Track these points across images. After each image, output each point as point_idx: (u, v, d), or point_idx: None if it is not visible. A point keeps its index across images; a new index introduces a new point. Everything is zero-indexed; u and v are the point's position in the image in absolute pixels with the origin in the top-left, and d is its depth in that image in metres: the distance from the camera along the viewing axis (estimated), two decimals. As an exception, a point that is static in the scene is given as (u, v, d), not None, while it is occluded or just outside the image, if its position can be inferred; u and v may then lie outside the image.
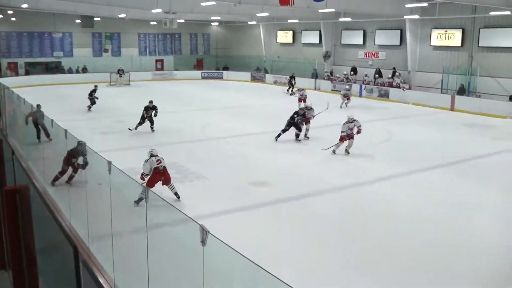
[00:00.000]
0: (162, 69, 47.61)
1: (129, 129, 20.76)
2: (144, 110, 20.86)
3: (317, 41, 42.19)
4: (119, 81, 39.60)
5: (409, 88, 32.79)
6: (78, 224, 9.28)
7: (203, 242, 5.02)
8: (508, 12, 26.78)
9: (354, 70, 38.05)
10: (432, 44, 32.86)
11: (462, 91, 30.13)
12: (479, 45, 29.95)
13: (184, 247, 6.22)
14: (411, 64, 34.14)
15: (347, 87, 31.26)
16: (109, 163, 7.67)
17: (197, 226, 5.14)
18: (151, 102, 21.04)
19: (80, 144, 12.24)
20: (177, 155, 16.60)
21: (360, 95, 34.74)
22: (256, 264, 4.28)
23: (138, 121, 20.78)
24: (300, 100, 27.38)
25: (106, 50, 45.50)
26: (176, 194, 12.07)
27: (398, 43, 35.22)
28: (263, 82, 44.26)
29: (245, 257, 4.44)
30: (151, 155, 12.13)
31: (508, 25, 28.34)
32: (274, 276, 4.04)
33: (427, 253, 9.78)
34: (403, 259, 9.51)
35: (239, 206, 12.10)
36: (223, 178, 14.39)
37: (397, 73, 34.36)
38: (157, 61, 47.99)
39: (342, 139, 17.04)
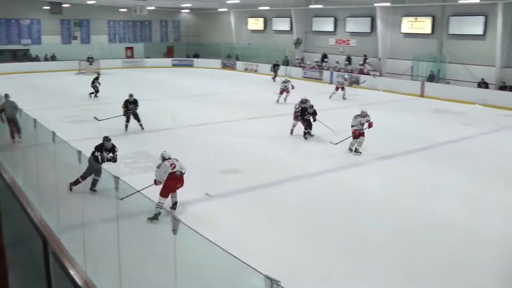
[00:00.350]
0: (132, 56, 46.91)
1: (95, 118, 18.85)
2: (123, 106, 18.63)
3: (288, 28, 42.04)
4: (89, 69, 38.78)
5: (380, 75, 33.01)
6: (49, 216, 9.17)
7: (175, 230, 5.03)
8: (477, 0, 27.15)
9: (325, 57, 38.16)
10: (402, 31, 33.06)
11: (432, 78, 30.42)
12: (449, 32, 30.32)
13: (156, 236, 6.21)
14: (381, 51, 34.29)
15: (346, 76, 30.12)
16: (79, 152, 7.60)
17: (168, 215, 5.12)
18: (131, 95, 18.85)
19: (107, 139, 11.85)
20: (147, 143, 16.45)
21: (331, 82, 34.86)
22: (228, 253, 4.28)
23: (107, 117, 18.68)
24: (282, 92, 25.76)
25: (75, 37, 44.55)
26: (175, 204, 10.79)
27: (369, 31, 35.32)
28: (234, 69, 44.10)
29: (216, 245, 4.46)
30: (164, 159, 10.69)
31: (476, 13, 28.74)
32: (245, 264, 4.05)
33: (404, 239, 9.81)
34: (381, 247, 9.47)
35: (211, 194, 12.03)
36: (195, 166, 14.12)
37: (367, 60, 34.65)
38: (127, 48, 47.26)
39: (354, 134, 15.71)
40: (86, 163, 8.03)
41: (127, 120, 18.60)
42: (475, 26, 28.99)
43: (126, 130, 18.48)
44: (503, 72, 27.91)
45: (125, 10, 43.98)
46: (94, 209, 7.92)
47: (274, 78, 34.93)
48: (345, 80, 28.33)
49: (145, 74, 39.84)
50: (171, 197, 10.69)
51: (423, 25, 31.68)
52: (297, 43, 40.48)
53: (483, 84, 27.86)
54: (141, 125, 18.79)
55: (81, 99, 26.05)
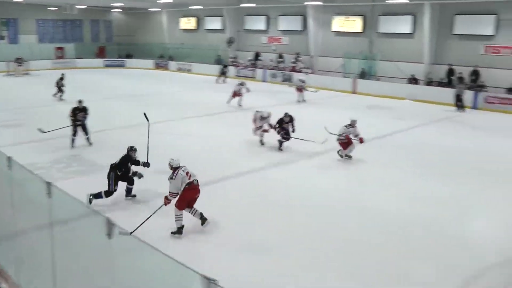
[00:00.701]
0: (63, 57, 45.01)
1: (40, 130, 15.62)
2: (71, 114, 15.76)
3: (220, 27, 41.78)
4: (18, 71, 37.40)
5: (312, 73, 33.21)
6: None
7: (110, 235, 4.83)
8: (405, 0, 27.84)
9: (258, 55, 38.14)
10: (333, 30, 33.43)
11: (363, 75, 30.93)
12: (379, 31, 31.00)
13: (91, 240, 5.96)
14: (313, 49, 34.53)
15: (302, 78, 27.82)
16: (9, 158, 7.22)
17: (103, 219, 4.91)
18: (80, 101, 16.05)
19: (134, 149, 11.14)
20: (80, 146, 15.87)
21: (264, 80, 34.98)
22: (165, 255, 4.20)
23: (53, 128, 15.85)
24: (235, 95, 24.08)
25: (2, 37, 42.58)
26: (202, 217, 9.70)
27: (301, 29, 35.49)
28: (167, 69, 43.46)
29: (153, 247, 4.33)
30: (174, 168, 9.46)
31: (405, 13, 29.57)
32: (183, 265, 3.95)
33: (392, 238, 9.75)
34: (313, 240, 9.44)
35: (146, 196, 11.52)
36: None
37: (300, 58, 34.83)
38: (57, 48, 45.39)
39: (347, 140, 14.78)
40: (18, 170, 7.58)
41: (74, 134, 15.79)
42: (403, 25, 29.82)
43: (72, 145, 15.76)
44: (431, 69, 28.70)
45: (55, 8, 42.57)
46: (25, 217, 7.51)
47: (224, 80, 34.22)
48: (303, 82, 26.68)
49: (77, 75, 38.27)
50: (194, 215, 9.64)
51: (354, 23, 32.19)
52: (230, 42, 40.35)
53: (413, 80, 28.62)
54: (88, 139, 16.14)
55: (11, 102, 24.70)
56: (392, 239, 9.64)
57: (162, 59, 45.06)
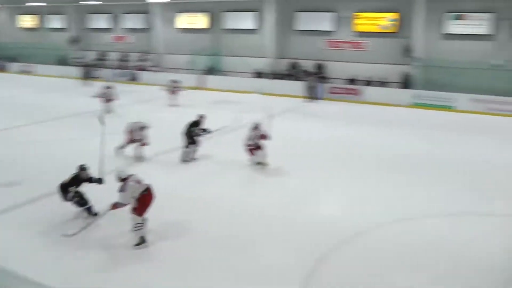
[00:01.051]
0: None
1: None
2: None
3: (64, 26, 39.61)
4: None
5: (160, 71, 32.33)
6: None
7: None
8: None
9: (103, 55, 36.76)
10: (179, 27, 33.20)
11: (210, 70, 30.67)
12: (224, 27, 31.23)
13: None
14: (159, 46, 33.92)
15: (175, 79, 24.72)
16: None
17: None
18: None
19: (83, 168, 9.77)
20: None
21: (111, 80, 33.64)
22: None
23: None
24: (108, 100, 21.10)
25: None
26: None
27: (146, 27, 34.68)
28: (6, 71, 39.76)
29: None
30: (123, 179, 8.67)
31: (247, 9, 30.19)
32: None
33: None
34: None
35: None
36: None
37: (146, 56, 34.09)
38: None
39: (254, 150, 13.42)
40: None
41: None
42: (247, 21, 30.32)
43: None
44: (276, 63, 29.21)
45: None
46: None
47: (89, 83, 31.11)
48: (176, 82, 24.08)
49: None
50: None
51: (199, 20, 32.19)
52: (74, 41, 38.47)
53: (259, 74, 28.99)
54: None
55: None
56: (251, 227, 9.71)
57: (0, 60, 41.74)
